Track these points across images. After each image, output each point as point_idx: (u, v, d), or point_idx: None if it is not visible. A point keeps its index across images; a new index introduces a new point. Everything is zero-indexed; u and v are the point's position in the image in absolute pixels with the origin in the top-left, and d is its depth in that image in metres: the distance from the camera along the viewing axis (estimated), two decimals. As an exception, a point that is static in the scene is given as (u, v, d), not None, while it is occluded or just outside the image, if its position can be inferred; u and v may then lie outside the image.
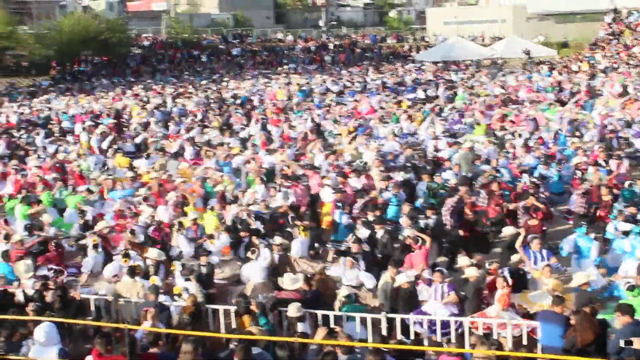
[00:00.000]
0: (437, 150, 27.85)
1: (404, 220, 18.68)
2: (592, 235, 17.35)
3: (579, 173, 22.93)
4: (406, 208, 19.62)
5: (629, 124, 30.56)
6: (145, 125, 35.27)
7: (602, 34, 61.46)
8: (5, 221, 20.27)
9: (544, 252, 16.46)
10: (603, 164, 23.65)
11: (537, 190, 20.75)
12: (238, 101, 43.40)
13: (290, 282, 15.01)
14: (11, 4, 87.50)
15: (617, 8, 62.87)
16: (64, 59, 68.46)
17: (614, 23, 62.08)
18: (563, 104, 38.33)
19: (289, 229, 18.75)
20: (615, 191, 20.91)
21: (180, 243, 18.22)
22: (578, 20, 75.38)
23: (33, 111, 41.82)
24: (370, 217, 19.11)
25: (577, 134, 29.54)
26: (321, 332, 11.58)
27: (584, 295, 14.02)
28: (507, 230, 17.80)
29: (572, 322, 12.06)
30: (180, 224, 19.04)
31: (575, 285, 14.63)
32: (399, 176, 23.13)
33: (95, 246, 17.46)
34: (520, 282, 15.24)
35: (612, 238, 17.78)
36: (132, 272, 15.44)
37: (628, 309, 11.77)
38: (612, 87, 41.77)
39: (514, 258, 16.21)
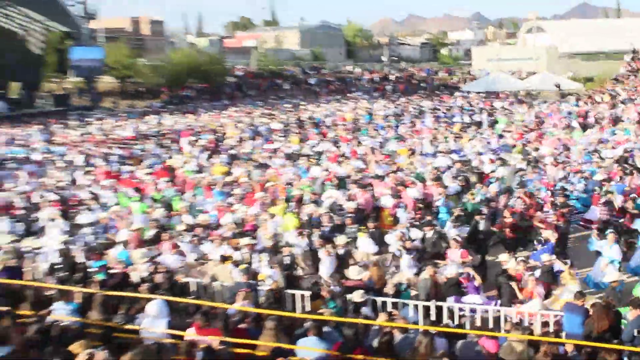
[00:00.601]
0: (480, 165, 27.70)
1: (449, 224, 18.61)
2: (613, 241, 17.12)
3: (597, 188, 22.53)
4: (457, 212, 19.50)
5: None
6: (239, 140, 35.64)
7: (622, 70, 60.31)
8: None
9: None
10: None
11: (565, 202, 20.59)
12: (314, 122, 43.57)
13: (355, 272, 15.04)
14: (132, 41, 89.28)
15: (635, 49, 61.68)
16: (173, 85, 69.59)
17: (632, 61, 60.87)
18: (587, 128, 37.79)
19: (354, 228, 18.86)
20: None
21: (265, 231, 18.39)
22: (602, 59, 74.14)
23: (148, 127, 42.63)
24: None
25: (597, 154, 29.07)
26: (383, 316, 11.57)
27: (612, 291, 13.89)
28: (546, 234, 17.58)
29: (591, 312, 11.92)
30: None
31: (607, 281, 14.53)
32: (452, 187, 23.09)
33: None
34: (551, 278, 15.10)
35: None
36: (225, 259, 15.66)
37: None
38: (630, 115, 41.03)
39: (544, 258, 15.99)
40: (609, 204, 20.43)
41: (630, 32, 70.79)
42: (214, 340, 10.02)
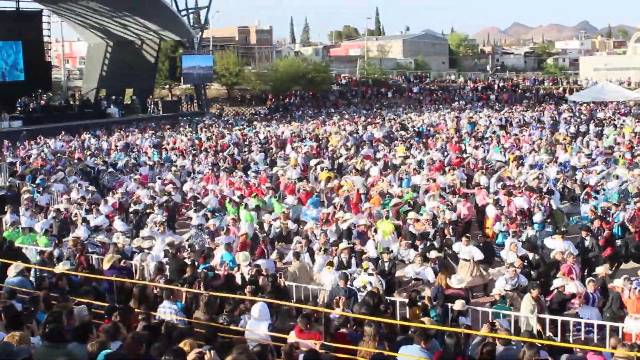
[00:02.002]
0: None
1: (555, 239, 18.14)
2: None
3: None
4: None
5: None
6: (346, 149, 35.73)
7: None
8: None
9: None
10: None
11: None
12: (417, 130, 43.32)
13: (457, 282, 14.86)
14: (240, 50, 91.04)
15: None
16: (278, 93, 70.56)
17: None
18: None
19: (451, 238, 18.71)
20: None
21: (367, 246, 18.35)
22: None
23: (252, 133, 43.34)
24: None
25: None
26: (485, 327, 11.38)
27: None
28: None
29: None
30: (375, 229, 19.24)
31: None
32: (555, 199, 22.58)
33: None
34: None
35: None
36: (328, 264, 15.78)
37: None
38: None
39: None
40: None
41: None
42: (316, 344, 10.08)
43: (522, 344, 10.36)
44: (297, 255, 16.57)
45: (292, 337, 10.61)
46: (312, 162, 31.18)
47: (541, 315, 13.37)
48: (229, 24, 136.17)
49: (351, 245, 17.43)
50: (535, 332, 12.43)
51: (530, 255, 17.47)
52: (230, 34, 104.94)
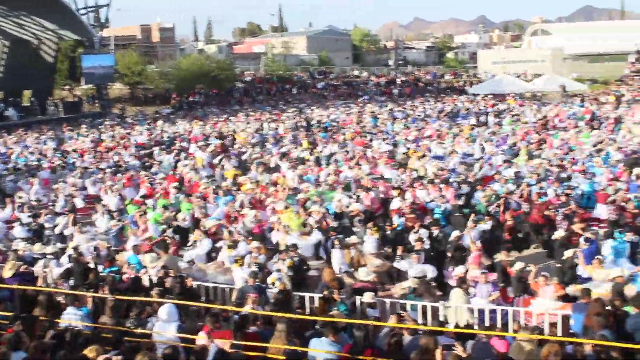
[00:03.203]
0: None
1: (469, 224, 18.55)
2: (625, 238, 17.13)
3: (606, 188, 22.45)
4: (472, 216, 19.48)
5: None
6: (250, 145, 35.62)
7: (626, 71, 60.13)
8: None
9: (590, 248, 16.31)
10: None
11: (568, 200, 20.61)
12: (322, 126, 43.56)
13: (364, 274, 15.00)
14: (142, 48, 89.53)
15: (639, 50, 61.53)
16: (182, 91, 69.65)
17: (637, 62, 60.65)
18: (593, 129, 37.74)
19: (359, 229, 18.93)
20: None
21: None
22: (606, 60, 74.05)
23: (158, 133, 42.66)
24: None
25: (603, 154, 28.99)
26: (393, 317, 11.53)
27: (617, 287, 13.80)
28: (559, 233, 17.52)
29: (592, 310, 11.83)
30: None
31: (611, 279, 14.46)
32: (462, 189, 23.14)
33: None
34: (572, 274, 15.05)
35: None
36: (235, 262, 15.71)
37: None
38: (634, 116, 40.90)
39: (567, 254, 15.92)
40: (615, 202, 20.50)
41: (634, 33, 70.55)
42: (225, 343, 9.99)
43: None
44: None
45: (201, 338, 10.50)
46: (216, 160, 30.97)
47: (439, 304, 13.64)
48: (131, 23, 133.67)
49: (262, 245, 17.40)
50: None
51: (435, 232, 17.89)
52: (132, 33, 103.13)
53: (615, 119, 40.33)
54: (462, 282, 14.05)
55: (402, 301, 13.96)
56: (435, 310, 13.46)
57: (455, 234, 17.82)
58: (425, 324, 12.51)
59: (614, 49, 72.14)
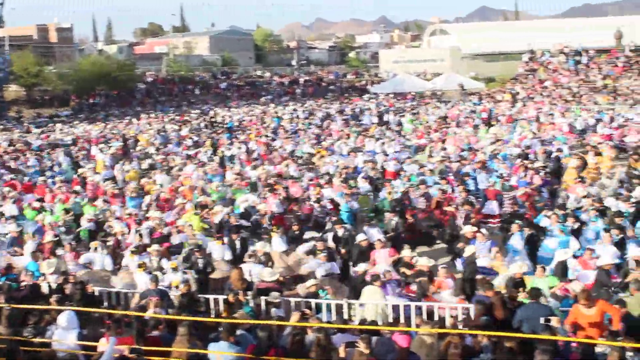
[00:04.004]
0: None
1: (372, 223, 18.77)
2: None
3: (498, 184, 23.03)
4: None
5: (543, 143, 30.89)
6: (154, 148, 35.09)
7: (521, 70, 61.93)
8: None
9: (488, 243, 16.67)
10: (522, 175, 23.96)
11: (468, 196, 21.07)
12: (226, 126, 43.29)
13: (269, 274, 14.94)
14: (40, 49, 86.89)
15: (533, 49, 63.45)
16: (82, 93, 68.04)
17: (530, 62, 62.57)
18: (490, 126, 38.76)
19: (267, 228, 18.92)
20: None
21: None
22: (502, 60, 76.12)
23: (57, 135, 41.56)
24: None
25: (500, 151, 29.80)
26: (295, 315, 11.52)
27: (515, 281, 14.18)
28: (466, 228, 17.85)
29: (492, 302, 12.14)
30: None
31: (511, 273, 14.82)
32: (363, 187, 23.36)
33: (103, 246, 17.33)
34: (472, 269, 15.38)
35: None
36: (139, 266, 15.42)
37: (534, 292, 12.08)
38: (528, 113, 42.24)
39: (468, 250, 16.23)
40: (512, 198, 21.03)
41: (527, 33, 72.66)
42: (125, 349, 9.77)
43: (336, 330, 10.63)
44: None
45: (102, 344, 10.25)
46: (119, 163, 30.39)
47: (343, 301, 13.75)
48: (27, 22, 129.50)
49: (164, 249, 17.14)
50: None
51: (340, 232, 17.99)
52: (28, 33, 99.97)
53: (511, 117, 41.55)
54: (375, 279, 14.14)
55: (307, 300, 13.99)
56: (340, 308, 13.56)
57: (360, 236, 17.99)
58: (330, 322, 12.55)
59: (509, 48, 74.13)
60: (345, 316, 13.36)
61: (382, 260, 16.13)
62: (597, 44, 62.81)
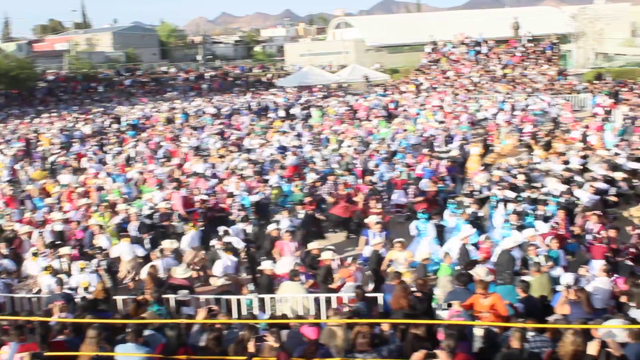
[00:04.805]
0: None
1: (281, 216, 18.78)
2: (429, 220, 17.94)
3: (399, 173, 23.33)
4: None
5: (446, 131, 31.51)
6: (57, 148, 34.15)
7: (424, 61, 62.90)
8: None
9: (384, 233, 16.89)
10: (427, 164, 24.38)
11: (374, 189, 21.31)
12: (131, 124, 42.51)
13: (181, 272, 14.77)
14: None
15: (435, 41, 64.54)
16: (-21, 92, 65.74)
17: (433, 52, 63.62)
18: (395, 117, 39.30)
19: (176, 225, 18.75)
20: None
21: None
22: (405, 51, 77.09)
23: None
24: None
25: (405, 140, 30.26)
26: (202, 312, 11.42)
27: (423, 268, 14.41)
28: (371, 218, 18.00)
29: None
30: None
31: (418, 260, 15.06)
32: (273, 180, 23.35)
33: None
34: (378, 258, 15.53)
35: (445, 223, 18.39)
36: (44, 269, 15.01)
37: (463, 278, 12.44)
38: (432, 103, 42.96)
39: (375, 241, 16.38)
40: (417, 187, 21.42)
41: (429, 25, 73.87)
42: (23, 357, 9.43)
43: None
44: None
45: (3, 352, 9.91)
46: (19, 164, 29.54)
47: (265, 296, 13.73)
48: None
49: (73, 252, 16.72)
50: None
51: (248, 228, 17.96)
52: None
53: (417, 106, 42.26)
54: (295, 274, 14.14)
55: (218, 296, 13.92)
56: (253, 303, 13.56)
57: (271, 226, 18.00)
58: (239, 318, 12.52)
59: (412, 40, 75.15)
60: (269, 311, 13.37)
61: (287, 252, 16.19)
62: (496, 35, 64.37)
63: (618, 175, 21.21)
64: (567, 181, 20.85)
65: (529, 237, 15.50)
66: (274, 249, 16.74)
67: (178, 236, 18.32)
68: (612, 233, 15.52)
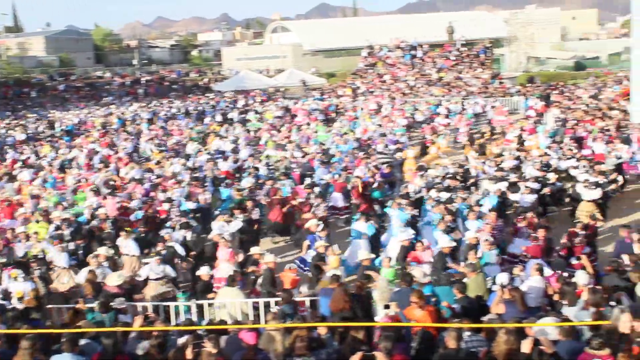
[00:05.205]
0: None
1: (216, 223, 18.67)
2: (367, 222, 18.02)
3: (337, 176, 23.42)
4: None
5: (383, 135, 31.75)
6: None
7: (360, 65, 63.23)
8: None
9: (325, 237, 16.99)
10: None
11: (312, 191, 21.34)
12: (65, 129, 41.79)
13: (115, 279, 14.57)
14: None
15: (371, 45, 64.95)
16: None
17: (369, 57, 63.98)
18: (333, 121, 39.50)
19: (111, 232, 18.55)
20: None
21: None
22: (342, 55, 77.63)
23: None
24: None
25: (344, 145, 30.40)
26: (138, 320, 11.28)
27: (362, 270, 14.50)
28: (310, 222, 18.01)
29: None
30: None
31: (358, 261, 15.14)
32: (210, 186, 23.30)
33: None
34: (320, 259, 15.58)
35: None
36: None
37: (407, 278, 12.64)
38: (369, 107, 43.27)
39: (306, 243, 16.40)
40: (356, 189, 21.53)
41: (366, 29, 74.40)
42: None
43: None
44: None
45: None
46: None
47: (191, 303, 13.65)
48: None
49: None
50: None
51: (188, 235, 17.82)
52: None
53: (353, 110, 42.55)
54: (233, 279, 14.06)
55: (155, 303, 13.80)
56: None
57: (212, 232, 17.91)
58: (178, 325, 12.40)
59: (348, 44, 75.67)
60: (194, 317, 13.26)
61: (224, 257, 16.12)
62: (431, 39, 65.14)
63: (552, 176, 21.69)
64: (500, 182, 21.20)
65: (468, 239, 15.77)
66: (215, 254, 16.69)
67: (113, 243, 18.05)
68: (541, 232, 15.83)
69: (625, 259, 13.07)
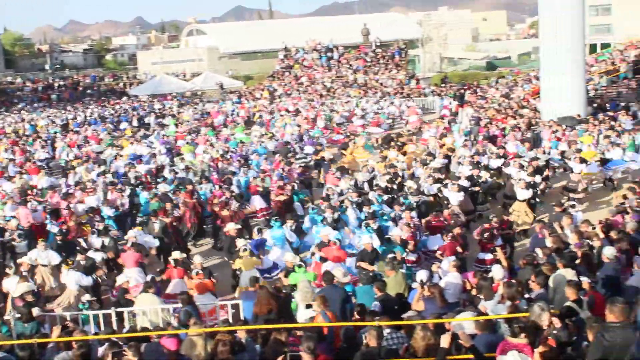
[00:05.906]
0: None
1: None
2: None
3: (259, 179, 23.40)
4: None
5: (301, 137, 31.89)
6: None
7: (277, 67, 63.34)
8: None
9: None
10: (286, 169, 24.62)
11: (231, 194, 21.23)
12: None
13: (22, 289, 14.16)
14: None
15: (287, 47, 65.07)
16: None
17: (285, 59, 64.15)
18: (252, 123, 39.44)
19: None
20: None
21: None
22: (259, 58, 77.61)
23: None
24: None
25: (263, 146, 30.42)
26: (56, 330, 11.00)
27: (287, 272, 14.53)
28: (229, 226, 17.91)
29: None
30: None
31: (269, 264, 15.18)
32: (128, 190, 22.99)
33: None
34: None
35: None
36: None
37: (328, 276, 12.64)
38: (287, 109, 43.39)
39: (239, 244, 16.27)
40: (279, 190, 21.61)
41: (282, 31, 74.51)
42: None
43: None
44: None
45: None
46: None
47: (111, 311, 13.46)
48: None
49: None
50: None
51: (106, 240, 17.55)
52: None
53: (271, 113, 42.58)
54: (150, 286, 13.85)
55: (72, 313, 13.51)
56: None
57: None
58: (97, 334, 12.16)
59: (265, 46, 75.72)
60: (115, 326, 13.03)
61: (131, 263, 15.92)
62: (346, 41, 65.67)
63: (484, 174, 22.10)
64: (416, 181, 21.53)
65: (394, 237, 16.04)
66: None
67: (26, 253, 17.57)
68: (457, 230, 16.14)
69: (539, 252, 13.42)
